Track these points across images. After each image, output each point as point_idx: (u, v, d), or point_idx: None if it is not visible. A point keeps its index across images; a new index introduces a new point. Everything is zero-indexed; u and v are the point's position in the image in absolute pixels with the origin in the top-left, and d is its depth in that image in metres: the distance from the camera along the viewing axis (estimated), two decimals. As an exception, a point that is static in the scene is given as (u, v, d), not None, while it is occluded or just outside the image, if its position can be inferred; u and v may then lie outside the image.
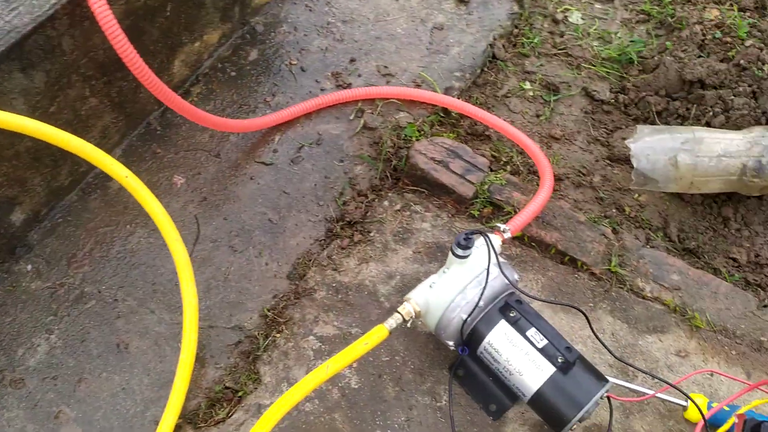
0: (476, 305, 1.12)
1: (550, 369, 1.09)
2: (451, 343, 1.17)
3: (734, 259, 1.44)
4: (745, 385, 1.12)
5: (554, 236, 1.38)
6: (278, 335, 1.25)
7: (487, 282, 1.12)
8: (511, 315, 1.12)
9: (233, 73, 1.60)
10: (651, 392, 1.17)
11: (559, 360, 1.08)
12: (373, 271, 1.34)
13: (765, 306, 1.34)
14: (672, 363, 1.27)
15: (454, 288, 1.13)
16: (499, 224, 1.25)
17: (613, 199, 1.50)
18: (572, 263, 1.37)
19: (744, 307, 1.34)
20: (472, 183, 1.42)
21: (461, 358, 1.19)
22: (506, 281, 1.14)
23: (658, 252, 1.40)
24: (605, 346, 1.14)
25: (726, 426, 0.98)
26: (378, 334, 1.10)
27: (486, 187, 1.43)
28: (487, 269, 1.12)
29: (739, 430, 0.87)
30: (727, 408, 1.14)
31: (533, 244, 1.39)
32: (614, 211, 1.47)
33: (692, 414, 1.17)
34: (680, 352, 1.29)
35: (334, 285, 1.32)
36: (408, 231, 1.40)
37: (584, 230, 1.40)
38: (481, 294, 1.11)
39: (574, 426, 1.07)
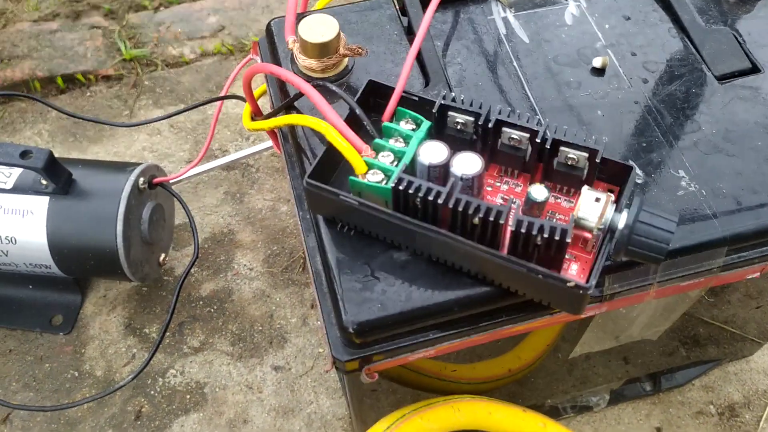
0: None
1: (42, 203, 0.68)
2: None
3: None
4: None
5: (26, 66, 0.94)
6: None
7: None
8: (-57, 176, 0.69)
9: None
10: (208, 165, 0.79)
11: (43, 183, 0.67)
12: None
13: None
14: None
15: None
16: None
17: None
18: (70, 81, 0.95)
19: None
20: None
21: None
22: None
23: (179, 7, 1.03)
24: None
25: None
26: None
27: None
28: None
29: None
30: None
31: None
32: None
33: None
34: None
35: None
36: None
37: (64, 37, 0.98)
38: None
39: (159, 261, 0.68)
